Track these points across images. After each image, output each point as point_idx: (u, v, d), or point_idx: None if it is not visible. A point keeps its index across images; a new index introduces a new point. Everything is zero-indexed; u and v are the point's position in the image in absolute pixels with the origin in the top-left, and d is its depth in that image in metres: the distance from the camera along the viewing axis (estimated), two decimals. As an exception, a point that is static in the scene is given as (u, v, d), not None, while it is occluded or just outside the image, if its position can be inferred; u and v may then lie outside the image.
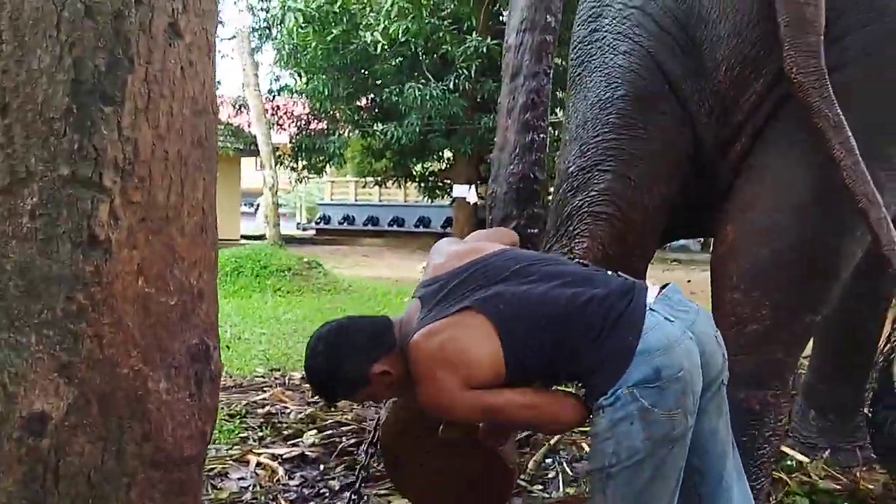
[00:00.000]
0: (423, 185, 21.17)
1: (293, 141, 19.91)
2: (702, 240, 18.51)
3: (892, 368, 2.56)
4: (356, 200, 26.51)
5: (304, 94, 18.69)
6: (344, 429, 4.12)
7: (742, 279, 2.72)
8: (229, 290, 9.77)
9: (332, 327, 2.08)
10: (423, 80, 16.02)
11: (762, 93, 2.75)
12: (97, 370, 1.60)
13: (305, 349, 2.11)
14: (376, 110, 19.01)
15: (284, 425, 4.25)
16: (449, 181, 20.11)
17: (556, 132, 11.57)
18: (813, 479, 3.42)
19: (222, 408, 4.22)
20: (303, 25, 16.06)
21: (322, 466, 3.64)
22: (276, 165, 14.97)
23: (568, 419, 2.04)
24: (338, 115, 19.21)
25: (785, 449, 3.48)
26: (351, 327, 2.08)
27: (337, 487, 3.38)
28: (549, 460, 3.66)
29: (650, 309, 1.91)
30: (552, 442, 3.88)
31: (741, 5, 2.70)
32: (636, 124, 2.91)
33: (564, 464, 3.64)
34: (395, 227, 23.98)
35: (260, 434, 4.11)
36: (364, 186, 25.20)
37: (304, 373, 5.36)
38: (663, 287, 2.03)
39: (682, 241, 16.89)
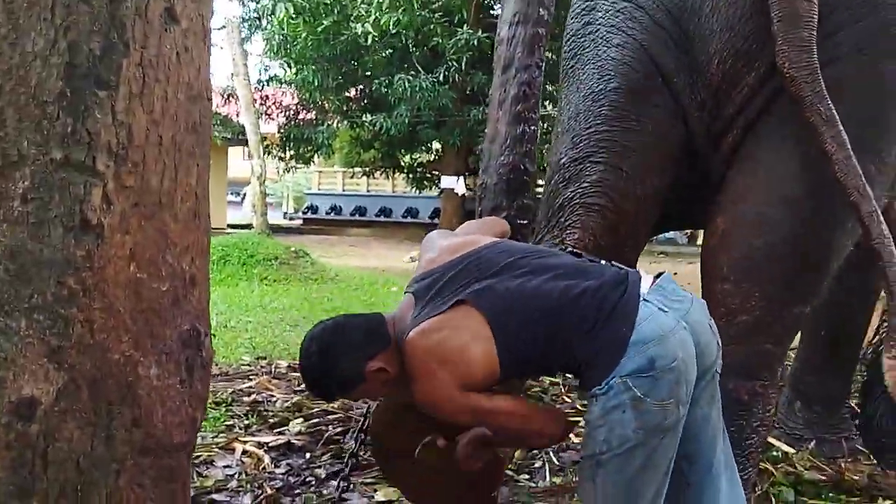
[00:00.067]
0: (411, 175, 21.17)
1: (281, 131, 19.85)
2: (689, 232, 18.65)
3: (881, 360, 2.57)
4: (344, 191, 26.47)
5: (293, 85, 18.64)
6: (330, 417, 4.12)
7: (732, 270, 2.73)
8: (216, 278, 9.73)
9: (326, 326, 2.07)
10: (412, 72, 16.00)
11: (754, 86, 2.76)
12: (87, 355, 1.59)
13: (300, 349, 2.10)
14: (365, 101, 18.98)
15: (270, 413, 4.24)
16: (437, 172, 20.11)
17: (546, 125, 11.60)
18: (798, 469, 3.43)
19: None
20: (293, 16, 16.01)
21: (308, 455, 3.64)
22: (264, 155, 14.93)
23: (552, 432, 2.09)
24: (327, 105, 19.17)
25: (770, 440, 3.50)
26: (345, 325, 2.07)
27: (323, 475, 3.38)
28: (534, 450, 3.67)
29: (644, 299, 1.92)
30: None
31: None
32: (629, 116, 2.91)
33: (551, 453, 3.65)
34: (382, 218, 23.95)
35: (246, 422, 4.10)
36: (352, 177, 25.16)
37: (290, 361, 5.40)
38: (657, 276, 2.03)
39: (669, 234, 17.01)
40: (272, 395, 4.60)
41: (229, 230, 17.41)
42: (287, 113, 20.21)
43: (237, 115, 18.07)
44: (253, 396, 4.58)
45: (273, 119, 20.34)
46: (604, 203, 2.91)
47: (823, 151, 2.50)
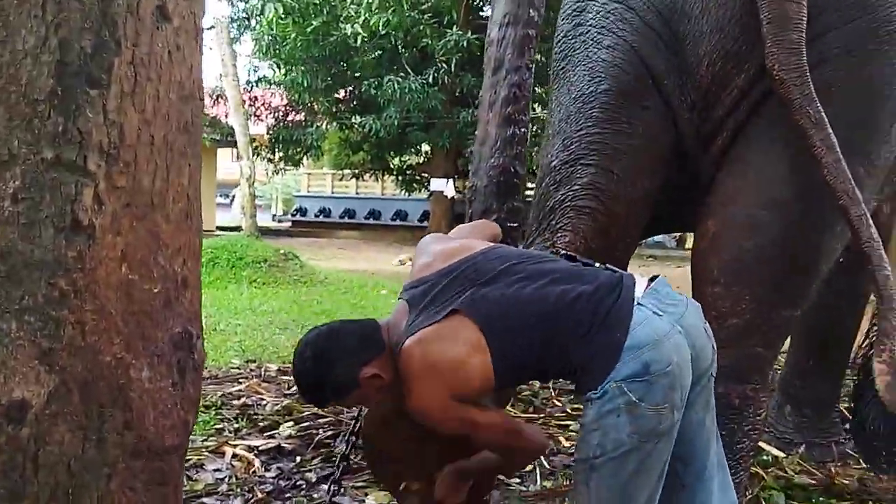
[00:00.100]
0: (400, 178, 21.14)
1: (270, 132, 19.80)
2: (677, 236, 18.71)
3: (872, 364, 2.58)
4: (333, 193, 26.42)
5: (282, 86, 18.59)
6: (321, 421, 4.10)
7: (723, 273, 2.74)
8: (205, 280, 9.59)
9: (320, 332, 2.07)
10: (402, 74, 15.99)
11: (744, 88, 2.77)
12: (79, 357, 1.57)
13: (293, 355, 2.09)
14: (354, 103, 18.95)
15: (260, 417, 4.22)
16: (426, 175, 20.09)
17: (536, 127, 11.60)
18: (788, 473, 3.45)
19: (198, 399, 4.18)
20: (282, 16, 15.99)
21: (299, 458, 3.62)
22: (253, 157, 14.89)
23: (536, 448, 2.16)
24: (316, 107, 19.12)
25: (761, 444, 3.51)
26: (339, 331, 2.07)
27: (314, 479, 3.37)
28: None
29: (638, 303, 1.92)
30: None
31: (724, 1, 2.71)
32: (619, 118, 2.91)
33: (542, 457, 3.65)
34: (371, 220, 23.92)
35: (236, 425, 4.08)
36: (341, 179, 25.12)
37: (280, 365, 5.38)
38: (651, 280, 2.03)
39: (657, 238, 17.06)
40: (262, 399, 4.58)
41: (218, 232, 17.36)
42: (276, 114, 20.16)
43: (226, 116, 18.03)
44: (243, 400, 4.56)
45: (262, 120, 20.27)
46: (595, 206, 2.91)
47: (812, 154, 2.51)
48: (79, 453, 1.60)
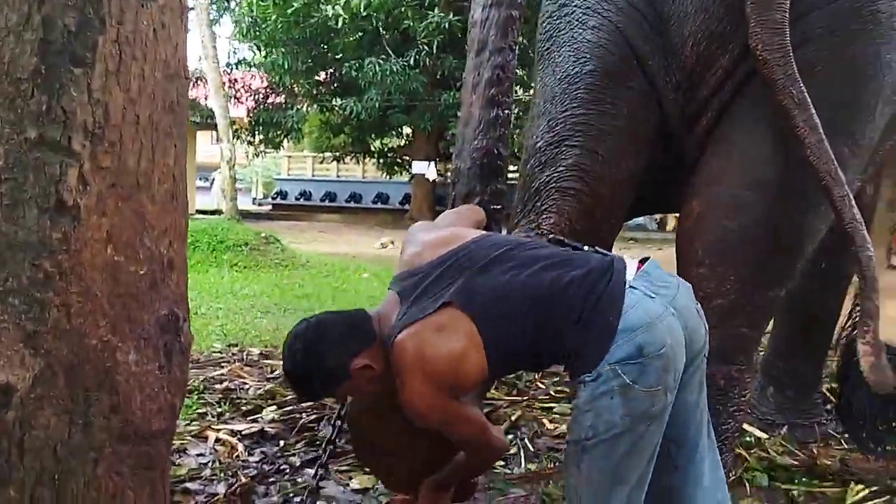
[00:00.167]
0: (381, 161, 21.10)
1: (251, 115, 19.68)
2: (658, 218, 18.80)
3: (856, 346, 2.60)
4: (314, 176, 26.29)
5: (262, 68, 18.47)
6: (304, 405, 4.09)
7: (707, 254, 2.74)
8: (186, 264, 9.61)
9: (309, 324, 2.04)
10: (383, 56, 15.94)
11: (728, 68, 2.77)
12: (64, 340, 1.56)
13: (283, 348, 2.06)
14: (335, 85, 18.87)
15: (243, 401, 4.20)
16: (408, 157, 20.06)
17: (518, 110, 11.60)
18: (771, 454, 3.46)
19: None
20: (263, -1, 15.88)
21: (282, 442, 3.61)
22: (233, 139, 14.80)
23: (500, 448, 2.24)
24: (296, 89, 19.04)
25: (744, 425, 3.53)
26: (328, 322, 2.05)
27: (297, 463, 3.35)
28: (510, 436, 3.68)
29: (630, 286, 1.91)
30: (513, 419, 3.90)
31: None
32: (604, 99, 2.91)
33: (526, 440, 3.66)
34: (352, 204, 23.84)
35: (218, 410, 4.06)
36: (322, 162, 25.00)
37: (262, 349, 5.35)
38: (642, 262, 2.03)
39: (638, 220, 17.11)
40: (245, 383, 4.56)
41: (198, 216, 17.25)
42: (256, 97, 20.03)
43: (205, 99, 17.89)
44: (225, 384, 4.53)
45: (242, 103, 20.16)
46: (579, 187, 2.91)
47: (795, 135, 2.52)
48: (65, 437, 1.59)
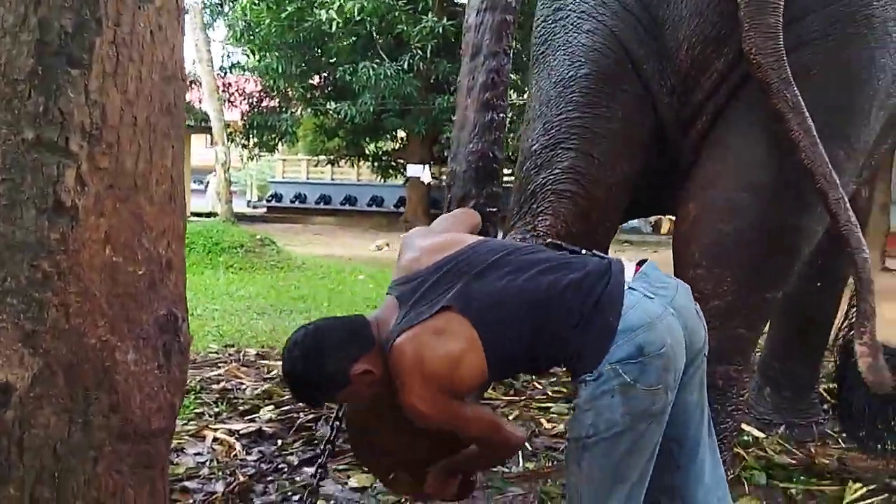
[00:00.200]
0: (376, 164, 21.09)
1: (245, 118, 19.68)
2: (653, 221, 18.81)
3: (853, 346, 2.61)
4: (308, 179, 26.26)
5: (256, 72, 18.48)
6: (301, 405, 4.10)
7: (704, 256, 2.76)
8: (180, 266, 9.60)
9: (308, 330, 2.04)
10: (377, 60, 15.95)
11: (723, 72, 2.78)
12: (63, 340, 1.56)
13: (282, 353, 2.07)
14: (329, 89, 18.88)
15: (240, 401, 4.21)
16: (402, 161, 20.07)
17: (512, 113, 11.62)
18: (769, 453, 3.48)
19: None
20: (256, 2, 15.92)
21: (280, 442, 3.62)
22: (227, 142, 14.80)
23: (515, 442, 2.17)
24: (290, 92, 19.03)
25: (741, 425, 3.55)
26: (327, 328, 2.05)
27: (295, 463, 3.36)
28: (508, 436, 3.68)
29: (629, 287, 1.93)
30: (511, 418, 3.91)
31: None
32: (599, 103, 2.92)
33: (522, 440, 3.67)
34: (347, 206, 23.82)
35: (216, 410, 4.06)
36: (316, 165, 24.95)
37: (258, 349, 5.35)
38: (639, 263, 2.04)
39: (633, 223, 17.12)
40: (241, 383, 4.57)
41: (194, 218, 17.23)
42: (250, 100, 20.02)
43: (200, 102, 17.89)
44: (222, 384, 4.54)
45: (236, 106, 20.15)
46: (575, 190, 2.92)
47: (790, 139, 2.53)
48: (64, 436, 1.59)
